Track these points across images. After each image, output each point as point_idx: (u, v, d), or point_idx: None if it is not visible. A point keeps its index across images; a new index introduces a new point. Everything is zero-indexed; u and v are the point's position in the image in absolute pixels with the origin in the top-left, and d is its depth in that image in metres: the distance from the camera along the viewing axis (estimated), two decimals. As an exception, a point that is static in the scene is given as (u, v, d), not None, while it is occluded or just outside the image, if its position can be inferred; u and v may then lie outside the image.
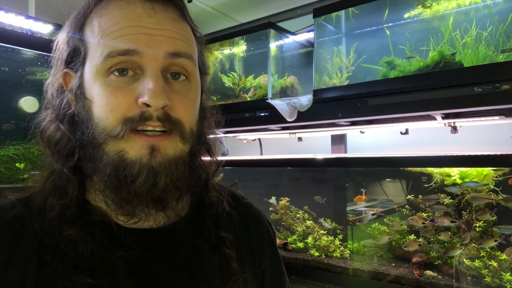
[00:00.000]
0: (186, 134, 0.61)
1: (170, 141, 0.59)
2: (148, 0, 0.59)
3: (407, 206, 1.59)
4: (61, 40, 0.64)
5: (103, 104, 0.57)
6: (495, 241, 1.31)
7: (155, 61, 0.57)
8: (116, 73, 0.57)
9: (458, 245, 1.40)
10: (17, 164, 1.29)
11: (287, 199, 1.96)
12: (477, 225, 1.37)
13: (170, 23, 0.60)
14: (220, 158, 0.78)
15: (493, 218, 1.34)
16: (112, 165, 0.57)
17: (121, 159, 0.57)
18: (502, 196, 1.33)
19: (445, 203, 1.44)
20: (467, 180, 1.41)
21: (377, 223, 1.67)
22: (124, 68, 0.57)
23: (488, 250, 1.33)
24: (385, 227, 1.63)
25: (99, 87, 0.57)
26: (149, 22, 0.58)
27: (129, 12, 0.58)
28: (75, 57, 0.61)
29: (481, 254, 1.34)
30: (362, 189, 1.81)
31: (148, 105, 0.56)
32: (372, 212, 1.68)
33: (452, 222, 1.41)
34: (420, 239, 1.50)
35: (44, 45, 1.44)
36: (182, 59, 0.60)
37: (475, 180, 1.39)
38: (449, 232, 1.43)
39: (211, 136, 0.74)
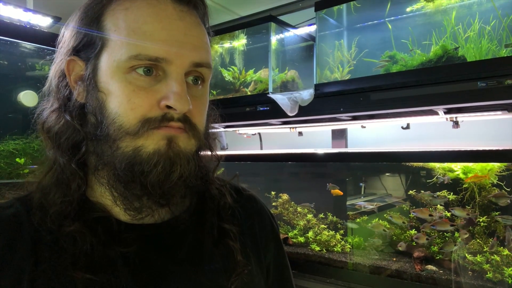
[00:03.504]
0: (200, 137, 0.62)
1: (186, 137, 0.59)
2: (177, 2, 0.59)
3: (407, 202, 1.59)
4: (73, 26, 0.62)
5: (124, 101, 0.56)
6: (499, 244, 1.31)
7: (181, 68, 0.57)
8: (139, 72, 0.56)
9: (459, 240, 1.40)
10: (17, 159, 1.28)
11: (286, 195, 1.96)
12: (481, 220, 1.37)
13: (197, 29, 0.60)
14: (220, 152, 0.78)
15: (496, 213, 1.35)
16: (127, 160, 0.57)
17: (137, 154, 0.56)
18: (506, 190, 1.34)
19: (450, 199, 1.44)
20: (470, 174, 1.41)
21: (377, 219, 1.66)
22: (149, 68, 0.56)
23: (492, 244, 1.33)
24: (385, 223, 1.63)
25: (119, 82, 0.56)
26: (179, 26, 0.58)
27: (160, 11, 0.57)
28: (89, 47, 0.60)
29: (484, 249, 1.34)
30: (361, 184, 1.81)
31: (170, 107, 0.56)
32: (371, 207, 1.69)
33: (452, 225, 1.41)
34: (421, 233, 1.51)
35: (43, 38, 1.43)
36: (203, 68, 0.61)
37: (479, 174, 1.39)
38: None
39: (213, 131, 0.74)
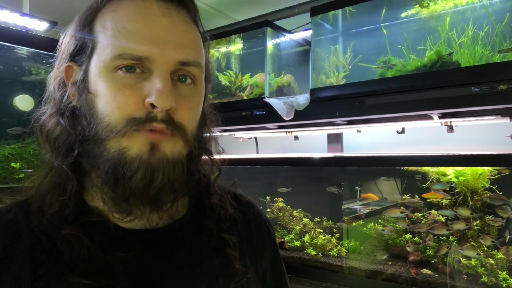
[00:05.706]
0: (188, 138, 0.61)
1: (171, 142, 0.58)
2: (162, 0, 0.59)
3: (401, 207, 1.59)
4: (69, 33, 0.63)
5: (110, 100, 0.56)
6: (492, 241, 1.32)
7: (165, 66, 0.57)
8: (124, 70, 0.56)
9: (455, 243, 1.41)
10: (12, 164, 1.27)
11: (281, 199, 1.96)
12: (475, 223, 1.38)
13: (182, 25, 0.60)
14: (219, 156, 0.77)
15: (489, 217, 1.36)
16: (111, 162, 0.56)
17: (121, 156, 0.56)
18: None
19: (444, 203, 1.45)
20: (462, 178, 1.42)
21: (372, 223, 1.67)
22: (133, 66, 0.57)
23: (486, 248, 1.34)
24: (381, 227, 1.63)
25: (106, 82, 0.57)
26: (163, 23, 0.58)
27: (143, 9, 0.58)
28: (82, 51, 0.60)
29: (479, 252, 1.35)
30: (357, 188, 1.81)
31: (154, 106, 0.56)
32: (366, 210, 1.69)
33: (448, 230, 1.42)
34: (416, 238, 1.51)
35: (39, 42, 1.43)
36: (191, 67, 0.60)
37: (470, 178, 1.40)
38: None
39: (210, 135, 0.74)
